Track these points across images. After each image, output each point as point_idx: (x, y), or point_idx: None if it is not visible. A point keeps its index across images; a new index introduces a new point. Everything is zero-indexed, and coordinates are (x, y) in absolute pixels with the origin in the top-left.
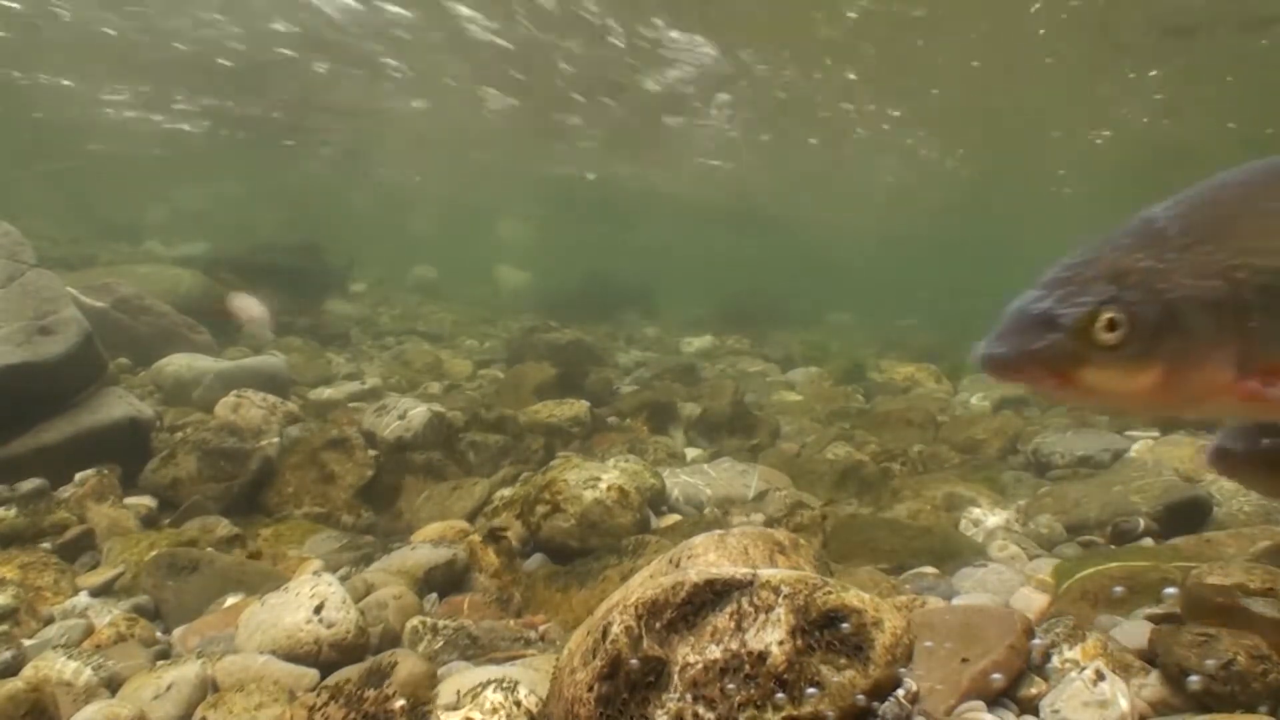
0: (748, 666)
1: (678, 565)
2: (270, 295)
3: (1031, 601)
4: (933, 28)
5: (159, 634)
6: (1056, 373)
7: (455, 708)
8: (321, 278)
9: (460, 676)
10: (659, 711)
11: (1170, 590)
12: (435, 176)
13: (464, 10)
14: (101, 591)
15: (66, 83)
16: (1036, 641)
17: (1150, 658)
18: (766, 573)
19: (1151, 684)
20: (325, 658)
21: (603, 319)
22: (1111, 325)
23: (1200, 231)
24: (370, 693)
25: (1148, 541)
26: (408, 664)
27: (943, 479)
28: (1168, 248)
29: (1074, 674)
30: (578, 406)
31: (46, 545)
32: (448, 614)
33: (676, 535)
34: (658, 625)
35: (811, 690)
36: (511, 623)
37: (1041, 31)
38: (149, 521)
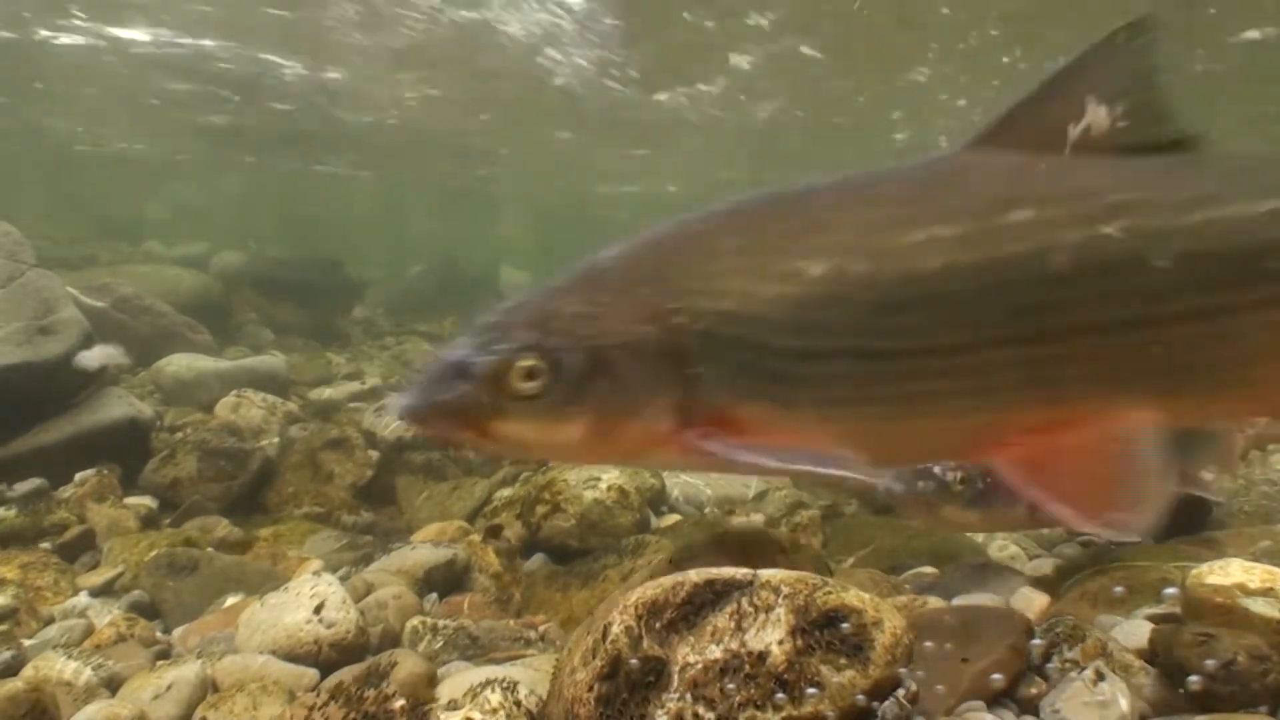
0: (748, 666)
1: (678, 565)
2: (291, 309)
3: (1031, 601)
4: None
5: (159, 634)
6: (469, 425)
7: (455, 708)
8: (343, 294)
9: (460, 676)
10: (659, 711)
11: (1170, 590)
12: None
13: None
14: (101, 591)
15: None
16: (1036, 641)
17: (1150, 658)
18: (766, 572)
19: (1151, 684)
20: (325, 658)
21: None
22: (530, 374)
23: (641, 273)
24: (370, 693)
25: (1148, 541)
26: (408, 664)
27: None
28: (603, 291)
29: (1074, 674)
30: None
31: (46, 545)
32: (448, 614)
33: (676, 535)
34: (658, 625)
35: (811, 690)
36: (511, 623)
37: None
38: (149, 521)
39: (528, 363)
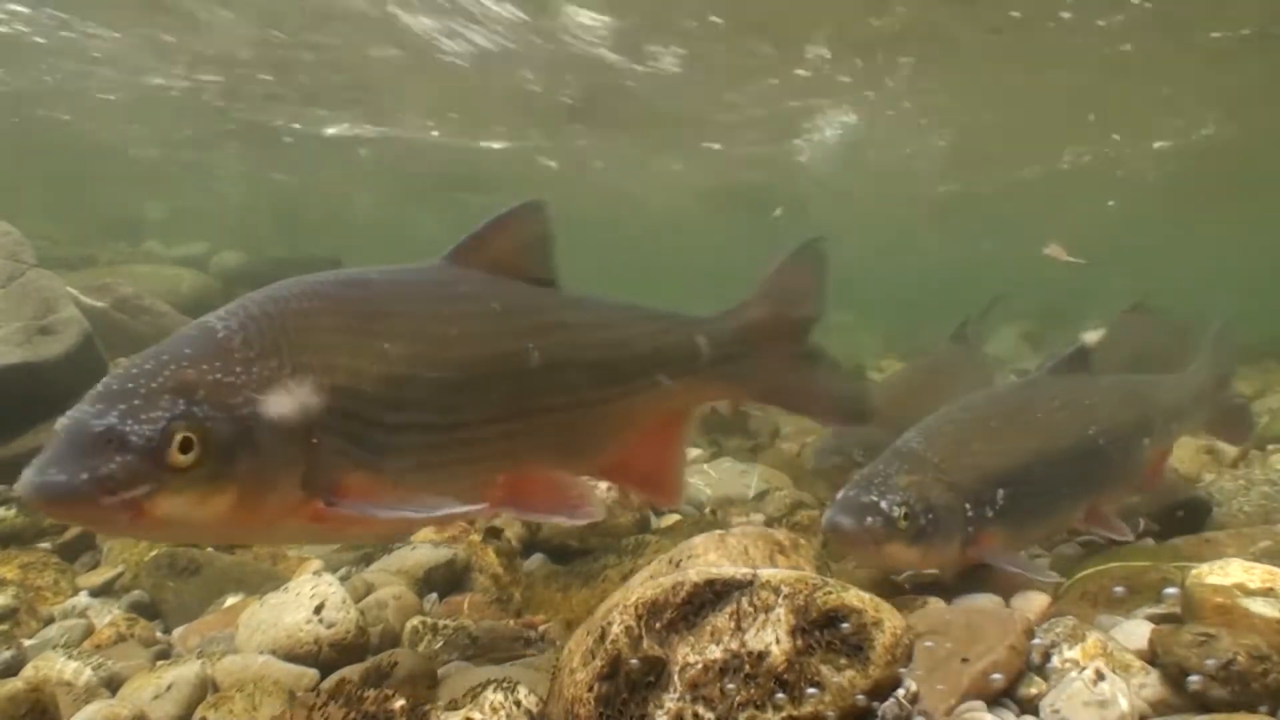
0: (748, 666)
1: (678, 565)
2: None
3: (1032, 601)
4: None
5: (159, 634)
6: (129, 503)
7: (455, 708)
8: None
9: (460, 676)
10: (659, 711)
11: (1170, 590)
12: None
13: None
14: (101, 591)
15: None
16: (1037, 641)
17: (1150, 658)
18: (766, 573)
19: (1151, 684)
20: (325, 658)
21: None
22: (185, 445)
23: (265, 343)
24: (370, 693)
25: (1148, 541)
26: (408, 664)
27: None
28: (234, 360)
29: (1074, 674)
30: None
31: (46, 545)
32: (448, 614)
33: (676, 535)
34: (658, 625)
35: (811, 690)
36: (511, 623)
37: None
38: None
39: (184, 433)
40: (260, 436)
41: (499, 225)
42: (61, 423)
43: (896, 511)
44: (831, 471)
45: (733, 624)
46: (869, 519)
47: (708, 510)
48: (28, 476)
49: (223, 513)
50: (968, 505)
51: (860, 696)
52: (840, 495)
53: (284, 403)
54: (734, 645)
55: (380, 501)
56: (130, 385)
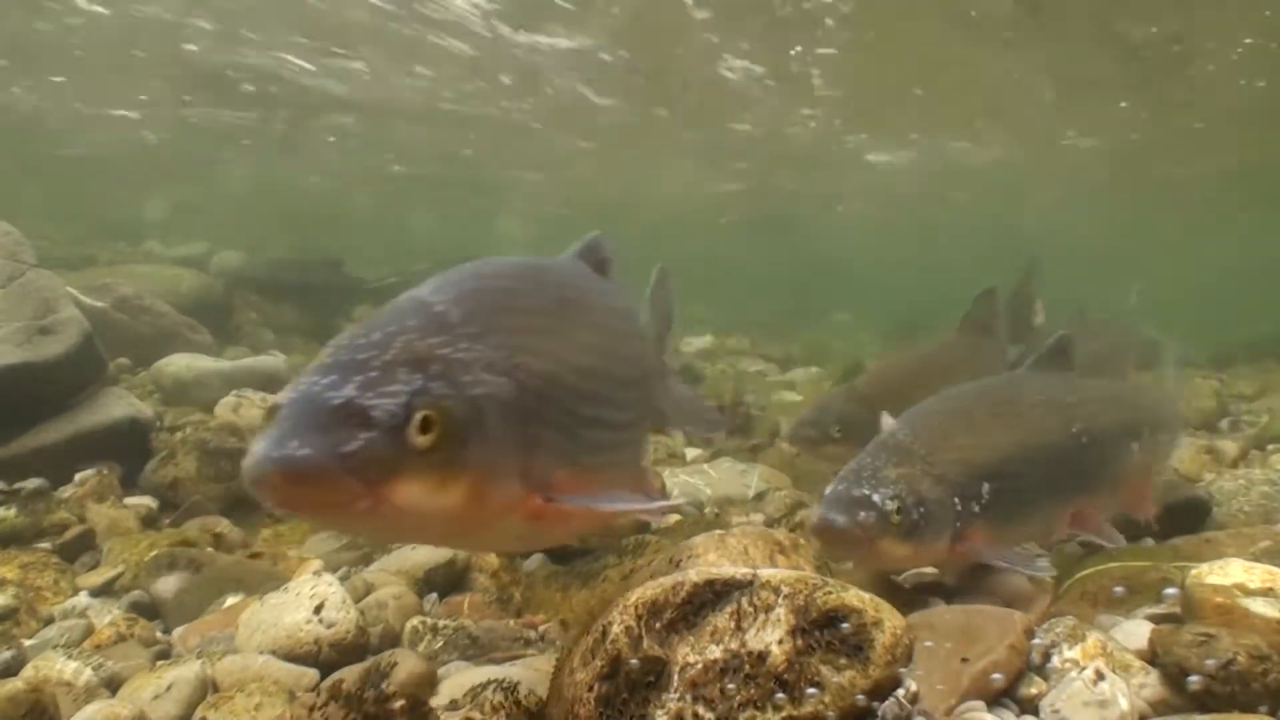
0: (748, 666)
1: (678, 565)
2: (291, 309)
3: (1031, 601)
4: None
5: (159, 634)
6: (370, 484)
7: (455, 708)
8: (344, 291)
9: (460, 676)
10: (659, 711)
11: (1170, 590)
12: None
13: None
14: (101, 591)
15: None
16: (1036, 641)
17: (1150, 658)
18: (766, 573)
19: (1151, 684)
20: (325, 658)
21: None
22: (426, 424)
23: (483, 320)
24: (370, 693)
25: (1148, 541)
26: (408, 664)
27: None
28: (458, 335)
29: (1074, 674)
30: None
31: (46, 545)
32: (448, 614)
33: (676, 535)
34: (658, 625)
35: (811, 690)
36: (511, 623)
37: None
38: (149, 521)
39: (424, 411)
40: (490, 420)
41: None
42: (288, 395)
43: (889, 505)
44: (805, 443)
45: (733, 624)
46: (862, 513)
47: (708, 510)
48: (262, 451)
49: (452, 505)
50: (955, 499)
51: (860, 696)
52: (829, 490)
53: (508, 384)
54: (734, 645)
55: (603, 494)
56: (363, 357)
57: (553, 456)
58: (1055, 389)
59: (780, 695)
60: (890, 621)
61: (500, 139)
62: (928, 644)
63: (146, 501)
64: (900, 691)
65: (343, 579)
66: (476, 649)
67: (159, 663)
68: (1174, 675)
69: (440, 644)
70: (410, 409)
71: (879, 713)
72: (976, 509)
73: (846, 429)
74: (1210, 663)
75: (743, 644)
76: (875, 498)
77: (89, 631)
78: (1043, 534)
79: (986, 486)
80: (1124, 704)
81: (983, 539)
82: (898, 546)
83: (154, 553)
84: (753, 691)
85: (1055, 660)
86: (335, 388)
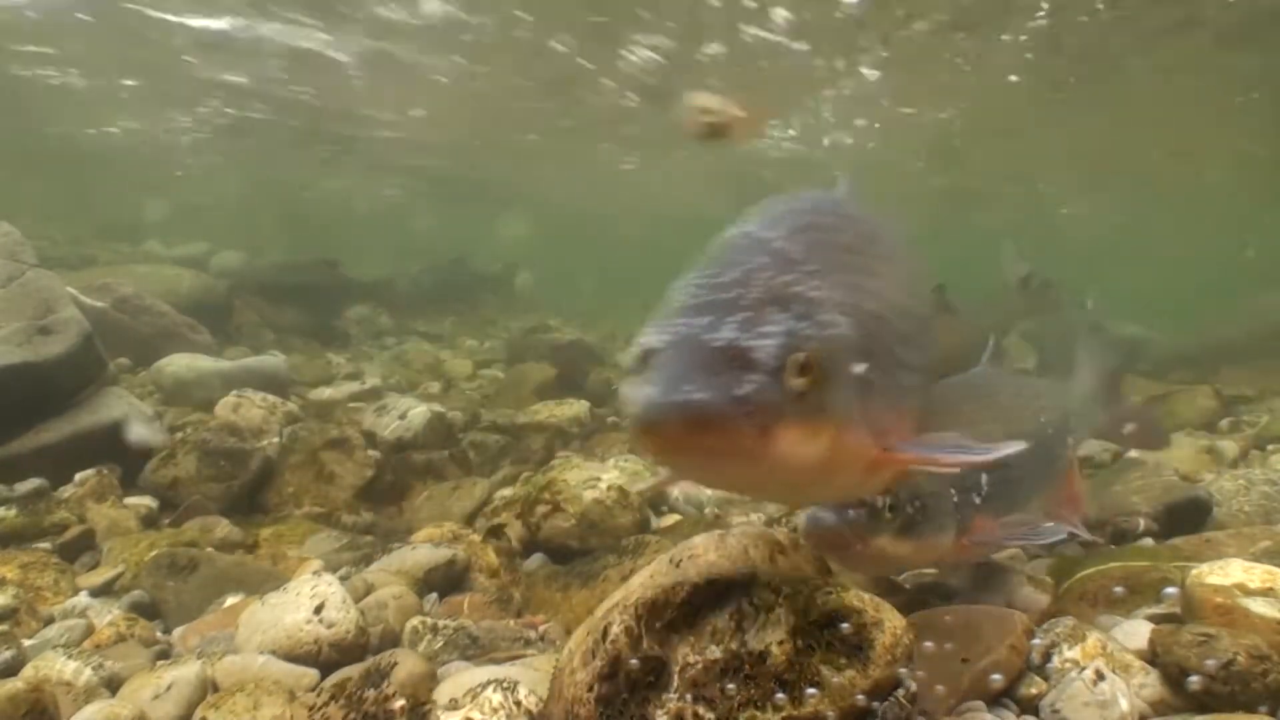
0: (748, 666)
1: (678, 565)
2: (291, 310)
3: (1031, 601)
4: None
5: (159, 634)
6: (759, 429)
7: (455, 708)
8: (340, 292)
9: (460, 676)
10: (659, 711)
11: (1170, 590)
12: None
13: None
14: (101, 591)
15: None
16: (1036, 641)
17: (1150, 658)
18: (767, 573)
19: (1151, 684)
20: (325, 658)
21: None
22: (803, 368)
23: (823, 259)
24: (370, 693)
25: (1148, 541)
26: (408, 664)
27: None
28: (806, 274)
29: (1074, 674)
30: (578, 406)
31: (46, 545)
32: (448, 614)
33: (676, 535)
34: (658, 625)
35: (811, 690)
36: (511, 623)
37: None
38: (149, 521)
39: (802, 353)
40: (846, 363)
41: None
42: (662, 338)
43: (880, 501)
44: None
45: (733, 624)
46: (851, 511)
47: (708, 510)
48: (652, 395)
49: (818, 453)
50: (954, 492)
51: (860, 696)
52: None
53: (857, 326)
54: (734, 645)
55: (934, 443)
56: (728, 296)
57: (884, 402)
58: (1017, 385)
59: (780, 695)
60: (890, 622)
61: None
62: (928, 644)
63: (146, 501)
64: (900, 691)
65: (343, 579)
66: (476, 649)
67: (159, 663)
68: (1174, 675)
69: (440, 644)
70: (789, 349)
71: (879, 713)
72: (977, 500)
73: None
74: (1210, 663)
75: (743, 644)
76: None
77: (89, 631)
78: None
79: (985, 477)
80: (1124, 704)
81: (986, 531)
82: (896, 544)
83: (154, 553)
84: (753, 691)
85: (1055, 660)
86: (713, 329)
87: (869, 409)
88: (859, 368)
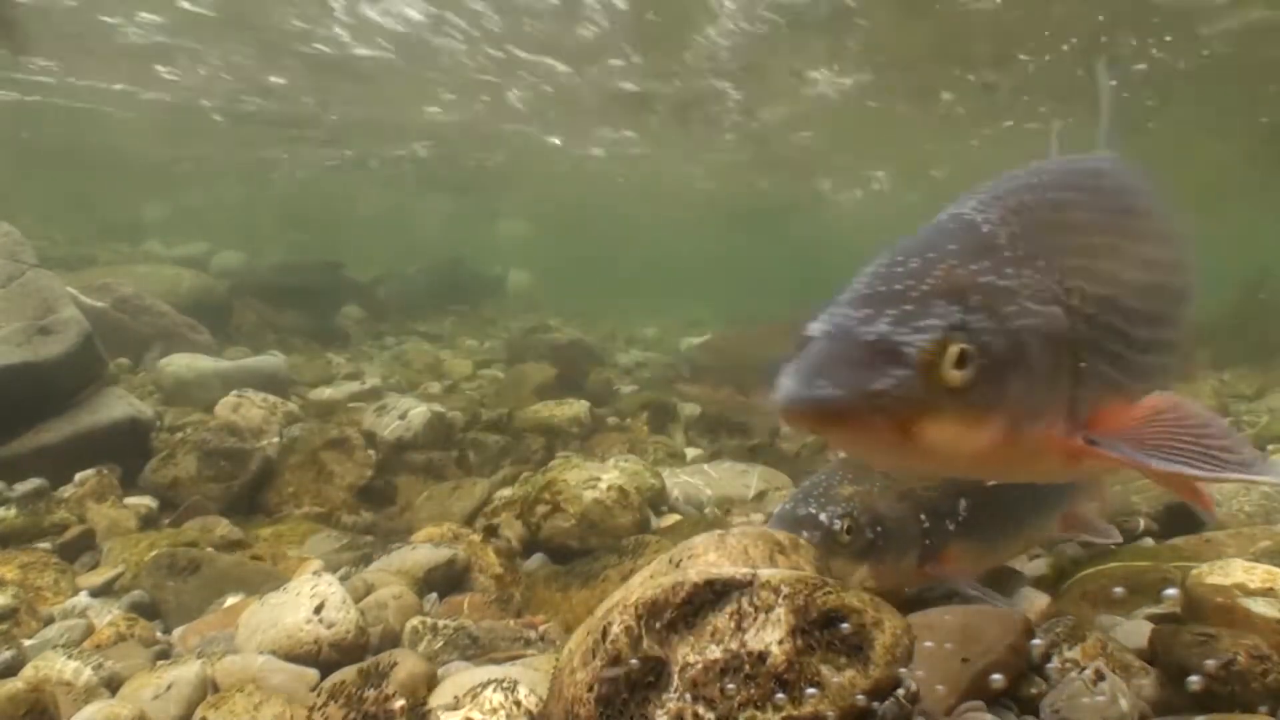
0: (748, 666)
1: (678, 565)
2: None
3: (1031, 601)
4: None
5: (159, 634)
6: (900, 424)
7: (455, 708)
8: (341, 293)
9: (460, 676)
10: (659, 711)
11: (1170, 590)
12: None
13: None
14: (101, 591)
15: None
16: (1037, 641)
17: (1150, 658)
18: (766, 573)
19: (1151, 684)
20: (325, 658)
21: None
22: (962, 360)
23: (1033, 241)
24: (370, 693)
25: (1148, 541)
26: (408, 664)
27: None
28: (1004, 260)
29: (1074, 674)
30: (578, 406)
31: (46, 545)
32: (448, 614)
33: (676, 535)
34: (658, 625)
35: (811, 690)
36: (511, 623)
37: None
38: (149, 521)
39: (961, 346)
40: (1033, 354)
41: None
42: (820, 327)
43: (838, 524)
44: (667, 380)
45: (733, 624)
46: (805, 534)
47: (708, 510)
48: (791, 389)
49: (984, 444)
50: (924, 517)
51: (860, 696)
52: (777, 510)
53: (1057, 314)
54: (734, 645)
55: (1150, 446)
56: (899, 287)
57: (1103, 390)
58: None
59: (780, 695)
60: (890, 621)
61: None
62: (928, 644)
63: (146, 501)
64: (900, 691)
65: (343, 579)
66: (476, 649)
67: (159, 663)
68: (1174, 675)
69: (440, 644)
70: (945, 345)
71: (879, 713)
72: (951, 527)
73: (695, 371)
74: (1210, 663)
75: (743, 644)
76: (822, 517)
77: (89, 631)
78: (1033, 544)
79: (963, 503)
80: (1124, 704)
81: (961, 558)
82: (851, 566)
83: (154, 553)
84: (753, 691)
85: (1055, 660)
86: (869, 322)
87: (1078, 400)
88: (1059, 359)
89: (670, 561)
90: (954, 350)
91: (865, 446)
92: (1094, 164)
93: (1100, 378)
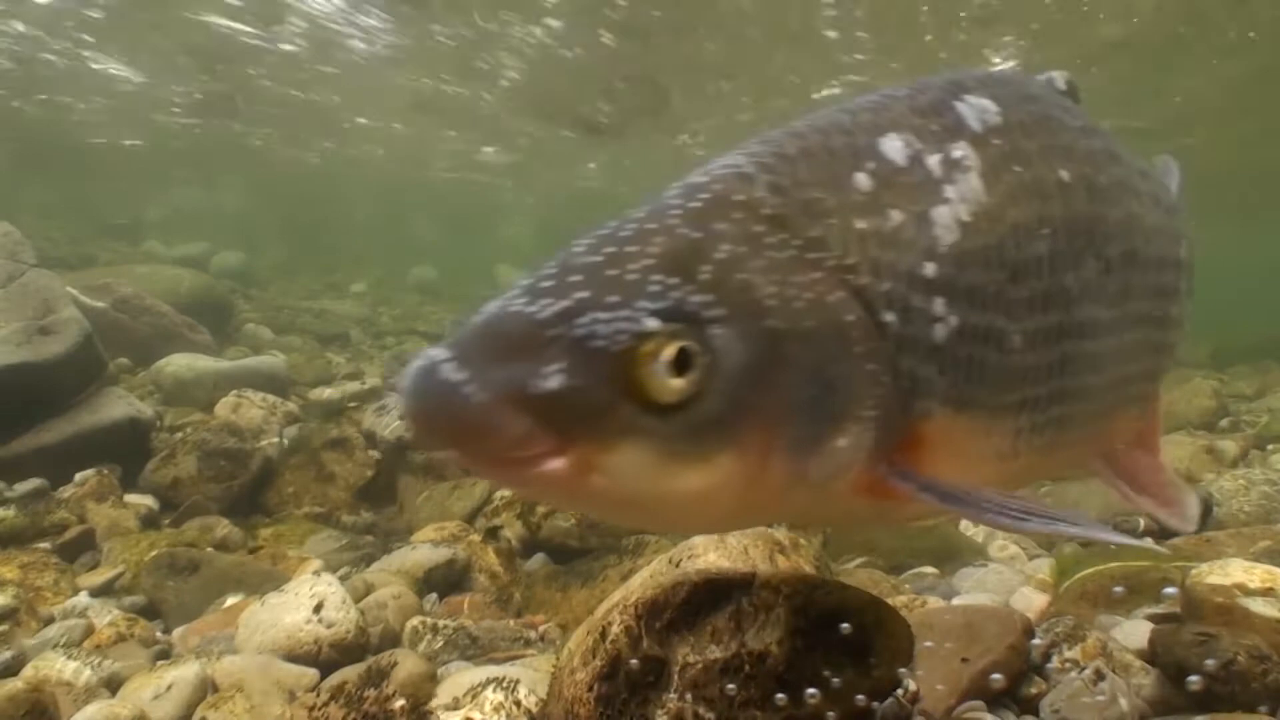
0: (748, 666)
1: (678, 565)
2: None
3: (1031, 601)
4: None
5: (159, 634)
6: (569, 442)
7: (455, 708)
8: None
9: (460, 676)
10: (659, 711)
11: (1170, 590)
12: None
13: None
14: (101, 591)
15: None
16: (1036, 641)
17: (1150, 658)
18: (766, 572)
19: (1151, 684)
20: (325, 658)
21: None
22: (680, 363)
23: (821, 187)
24: (370, 693)
25: (1148, 541)
26: (408, 664)
27: None
28: (760, 221)
29: (1074, 674)
30: None
31: (46, 545)
32: (448, 614)
33: (676, 535)
34: (658, 625)
35: (811, 690)
36: (511, 623)
37: None
38: (149, 521)
39: (679, 344)
40: (799, 356)
41: None
42: (489, 306)
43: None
44: None
45: (733, 624)
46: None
47: None
48: (414, 375)
49: (712, 486)
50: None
51: (860, 696)
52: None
53: (841, 297)
54: (734, 645)
55: (974, 485)
56: (607, 252)
57: (915, 401)
58: None
59: (780, 695)
60: (890, 622)
61: None
62: (928, 644)
63: (146, 501)
64: (900, 691)
65: (343, 579)
66: (476, 649)
67: (159, 663)
68: (1174, 675)
69: (440, 644)
70: (656, 339)
71: (879, 713)
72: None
73: None
74: (1210, 663)
75: (743, 644)
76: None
77: (89, 631)
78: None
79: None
80: (1124, 704)
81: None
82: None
83: (154, 553)
84: (753, 691)
85: (1055, 660)
86: (545, 296)
87: (879, 417)
88: (846, 362)
89: (670, 561)
90: (670, 348)
91: (514, 479)
92: (952, 79)
93: (913, 384)
